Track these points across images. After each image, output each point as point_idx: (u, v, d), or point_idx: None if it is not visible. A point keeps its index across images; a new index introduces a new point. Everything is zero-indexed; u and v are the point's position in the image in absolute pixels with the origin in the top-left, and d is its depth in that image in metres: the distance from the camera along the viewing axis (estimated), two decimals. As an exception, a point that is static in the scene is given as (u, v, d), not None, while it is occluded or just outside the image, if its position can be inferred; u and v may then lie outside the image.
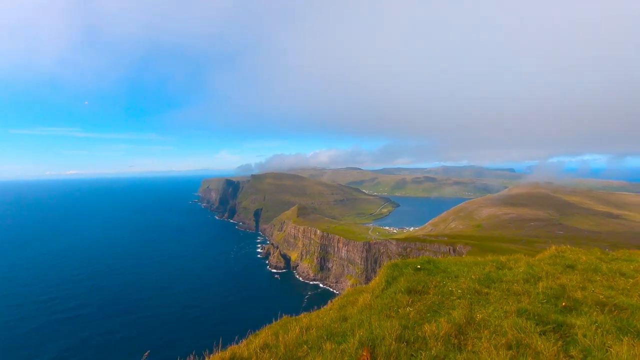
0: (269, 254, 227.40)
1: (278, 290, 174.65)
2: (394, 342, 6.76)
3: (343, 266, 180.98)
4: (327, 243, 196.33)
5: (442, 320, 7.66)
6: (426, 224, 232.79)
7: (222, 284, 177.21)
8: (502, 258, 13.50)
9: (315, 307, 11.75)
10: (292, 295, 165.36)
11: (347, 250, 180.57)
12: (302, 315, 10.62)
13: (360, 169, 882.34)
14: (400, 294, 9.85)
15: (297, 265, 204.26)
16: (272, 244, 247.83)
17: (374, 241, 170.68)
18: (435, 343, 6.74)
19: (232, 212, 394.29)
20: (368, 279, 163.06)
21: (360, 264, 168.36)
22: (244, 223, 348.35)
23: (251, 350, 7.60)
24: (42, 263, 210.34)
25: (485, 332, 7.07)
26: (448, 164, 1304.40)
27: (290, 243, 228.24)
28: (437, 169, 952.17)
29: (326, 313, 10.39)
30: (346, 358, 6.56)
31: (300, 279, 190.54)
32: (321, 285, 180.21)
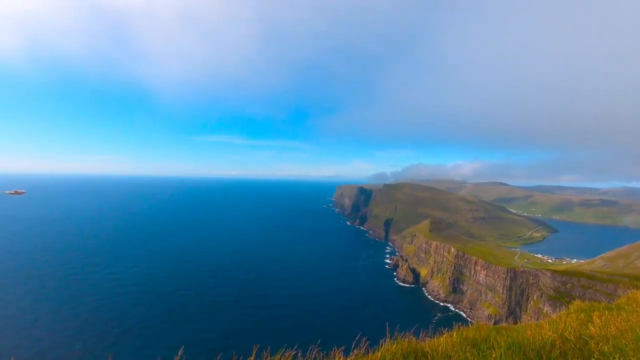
0: (398, 265, 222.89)
1: (404, 304, 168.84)
2: None
3: (480, 292, 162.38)
4: (462, 263, 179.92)
5: None
6: (596, 258, 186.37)
7: (348, 289, 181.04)
8: None
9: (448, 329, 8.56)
10: (419, 314, 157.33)
11: (486, 275, 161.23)
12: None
13: (507, 184, 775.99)
14: None
15: (427, 283, 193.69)
16: (401, 256, 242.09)
17: (522, 269, 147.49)
18: None
19: (363, 220, 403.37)
20: (511, 311, 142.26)
21: (502, 293, 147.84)
22: (374, 231, 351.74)
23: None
24: (186, 251, 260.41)
25: None
26: (634, 184, 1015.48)
27: (421, 258, 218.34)
28: (618, 189, 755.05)
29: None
30: None
31: (430, 297, 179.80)
32: (452, 308, 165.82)
